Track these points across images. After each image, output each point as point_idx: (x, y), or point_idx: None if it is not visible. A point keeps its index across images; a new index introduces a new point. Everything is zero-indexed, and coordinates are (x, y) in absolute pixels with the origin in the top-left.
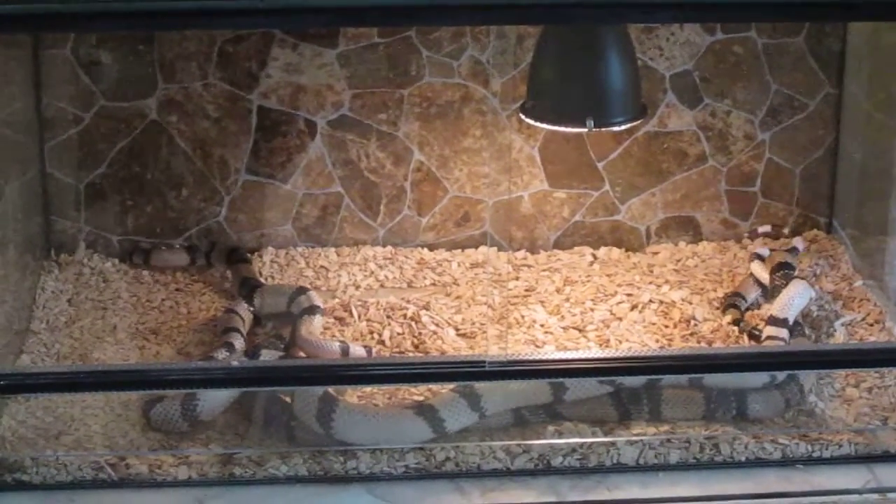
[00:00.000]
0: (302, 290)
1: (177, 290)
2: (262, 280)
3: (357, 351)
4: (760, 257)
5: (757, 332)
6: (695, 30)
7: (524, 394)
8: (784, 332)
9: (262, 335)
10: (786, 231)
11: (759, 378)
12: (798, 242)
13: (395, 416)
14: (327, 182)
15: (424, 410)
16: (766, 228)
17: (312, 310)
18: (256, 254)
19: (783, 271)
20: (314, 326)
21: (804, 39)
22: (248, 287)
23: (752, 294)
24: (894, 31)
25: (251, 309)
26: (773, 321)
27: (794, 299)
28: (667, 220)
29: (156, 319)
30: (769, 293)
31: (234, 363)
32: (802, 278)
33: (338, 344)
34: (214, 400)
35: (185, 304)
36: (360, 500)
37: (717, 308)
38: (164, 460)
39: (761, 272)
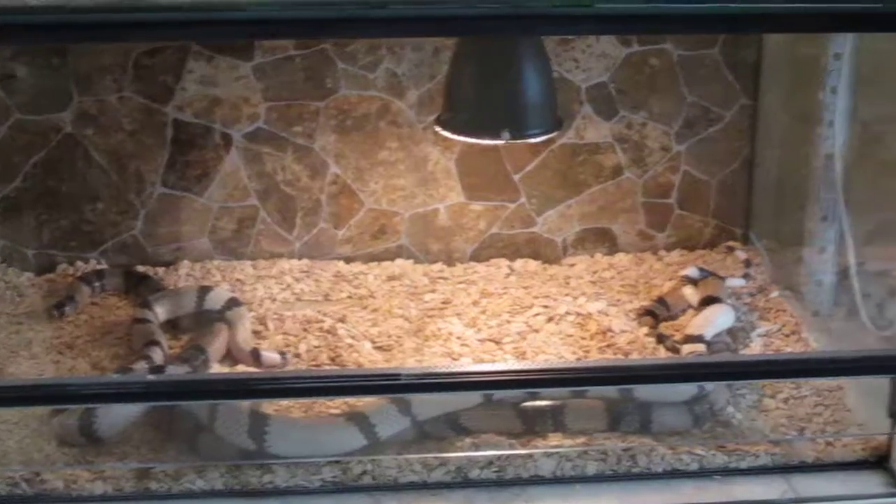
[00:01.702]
0: (208, 288)
1: (92, 303)
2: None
3: (271, 357)
4: (692, 281)
5: (677, 345)
6: (611, 42)
7: (455, 399)
8: (701, 347)
9: (178, 347)
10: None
11: (686, 391)
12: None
13: (327, 427)
14: (243, 195)
15: (356, 418)
16: (744, 255)
17: (235, 302)
18: (172, 267)
19: (712, 305)
20: (248, 333)
21: (719, 51)
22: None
23: (679, 308)
24: (809, 43)
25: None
26: (690, 339)
27: (714, 319)
28: (583, 232)
29: (70, 334)
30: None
31: (149, 377)
32: (729, 305)
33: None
34: (115, 416)
35: (99, 317)
36: None
37: (634, 319)
38: (80, 475)
39: (692, 297)
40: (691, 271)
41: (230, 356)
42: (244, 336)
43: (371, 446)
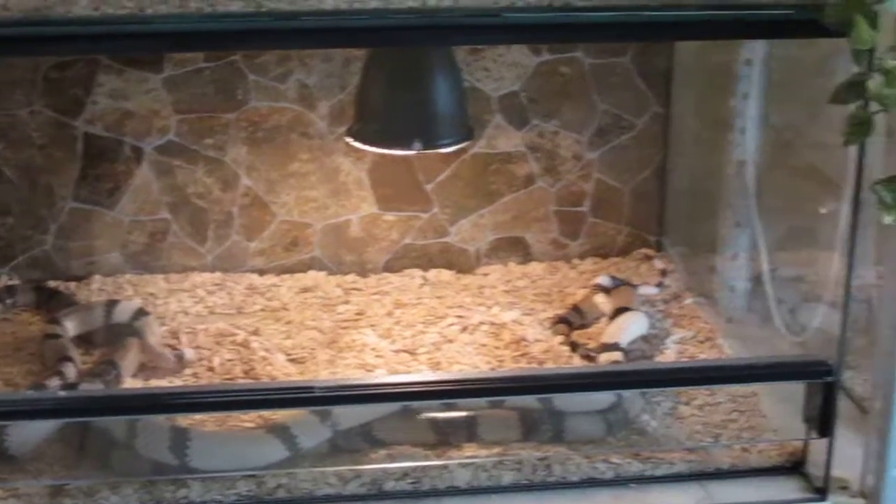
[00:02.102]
0: (115, 302)
1: (3, 319)
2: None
3: (190, 353)
4: (605, 290)
5: (591, 353)
6: (522, 51)
7: (375, 407)
8: (618, 355)
9: (90, 362)
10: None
11: (602, 399)
12: (664, 278)
13: (249, 439)
14: (155, 208)
15: (277, 430)
16: (661, 265)
17: (143, 312)
18: (84, 282)
19: (625, 313)
20: (159, 333)
21: (631, 59)
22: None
23: (593, 316)
24: (720, 50)
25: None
26: (606, 347)
27: (628, 326)
28: (497, 242)
29: None
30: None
31: (61, 393)
32: (642, 312)
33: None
34: (27, 433)
35: (11, 333)
36: None
37: (548, 328)
38: None
39: (605, 305)
40: (603, 280)
41: (146, 367)
42: (159, 341)
43: (293, 457)
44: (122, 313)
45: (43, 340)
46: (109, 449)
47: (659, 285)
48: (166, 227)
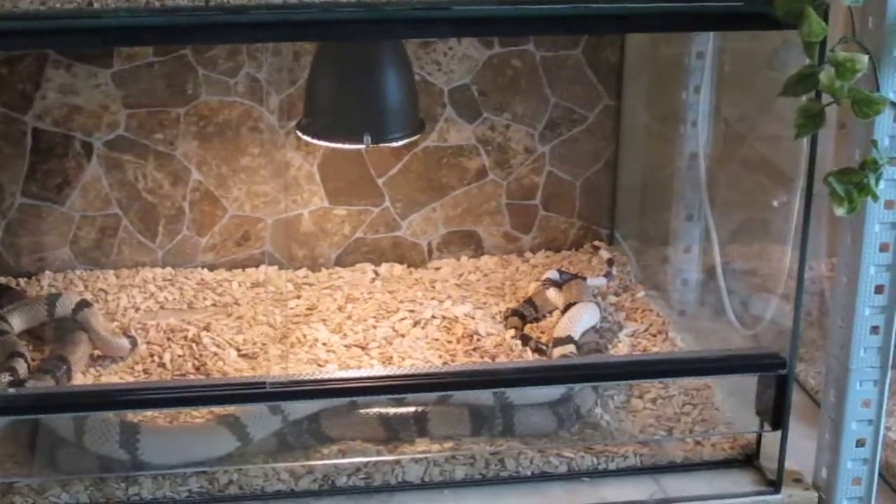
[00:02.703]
0: (56, 296)
1: None
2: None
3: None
4: (556, 284)
5: (542, 346)
6: (472, 44)
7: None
8: (571, 347)
9: (38, 358)
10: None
11: (553, 393)
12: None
13: (198, 431)
14: (104, 203)
15: (227, 420)
16: (607, 255)
17: (85, 303)
18: (35, 278)
19: (576, 305)
20: (104, 323)
21: (582, 52)
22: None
23: (546, 309)
24: (670, 43)
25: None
26: (559, 341)
27: (580, 318)
28: (448, 235)
29: None
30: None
31: (10, 390)
32: (593, 302)
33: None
34: None
35: None
36: None
37: (501, 322)
38: None
39: (557, 300)
40: (552, 274)
41: (98, 358)
42: (107, 328)
43: (244, 447)
44: (65, 306)
45: None
46: (58, 446)
47: (607, 275)
48: (116, 222)
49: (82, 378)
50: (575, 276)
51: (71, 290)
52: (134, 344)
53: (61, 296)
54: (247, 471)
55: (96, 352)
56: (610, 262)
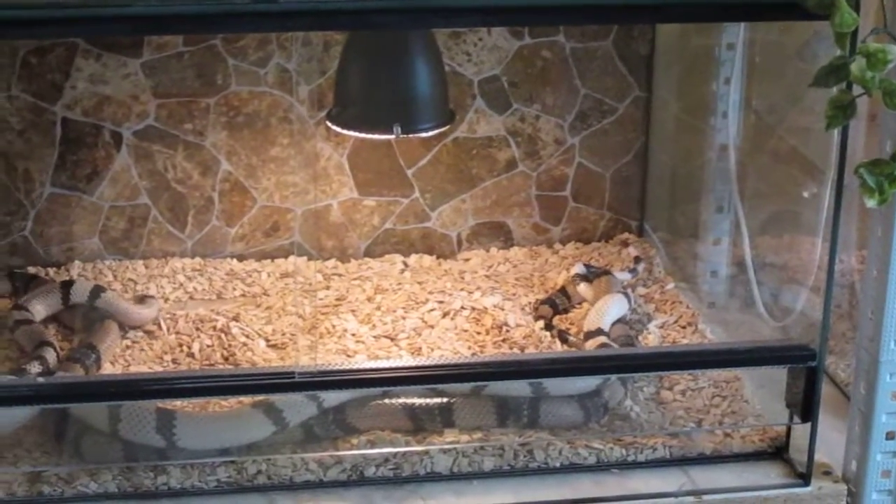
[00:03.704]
0: (69, 283)
1: None
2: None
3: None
4: (586, 279)
5: (569, 337)
6: (503, 34)
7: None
8: (603, 339)
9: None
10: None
11: (583, 385)
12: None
13: (235, 416)
14: (134, 194)
15: (263, 405)
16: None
17: (101, 289)
18: (64, 268)
19: (603, 297)
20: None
21: (612, 43)
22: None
23: (578, 300)
24: (701, 34)
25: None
26: (589, 335)
27: (608, 309)
28: (478, 227)
29: None
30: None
31: (39, 380)
32: (621, 293)
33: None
34: (4, 420)
35: None
36: None
37: (530, 314)
38: None
39: (587, 294)
40: (579, 269)
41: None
42: (129, 306)
43: (280, 433)
44: (80, 293)
45: (15, 327)
46: (88, 435)
47: (632, 271)
48: (146, 212)
49: (111, 367)
50: (602, 270)
51: (101, 280)
52: (154, 303)
53: (75, 283)
54: (275, 460)
55: (127, 338)
56: (637, 260)
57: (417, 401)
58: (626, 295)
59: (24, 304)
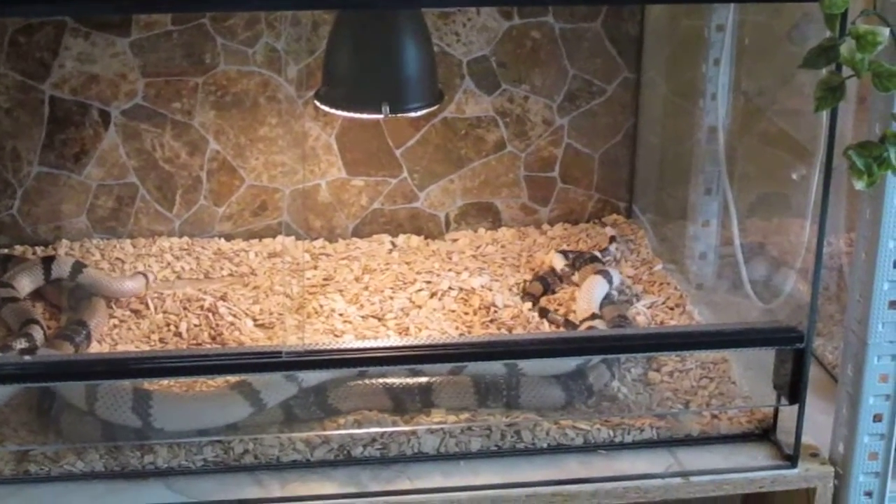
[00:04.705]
0: (51, 258)
1: None
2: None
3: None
4: (570, 265)
5: (555, 317)
6: (492, 15)
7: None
8: (597, 322)
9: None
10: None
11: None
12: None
13: (211, 398)
14: (122, 173)
15: (240, 386)
16: (611, 231)
17: (82, 265)
18: (51, 247)
19: (584, 282)
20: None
21: (601, 24)
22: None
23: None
24: (690, 16)
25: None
26: (584, 321)
27: (591, 293)
28: (466, 207)
29: None
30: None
31: (26, 358)
32: (598, 273)
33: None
34: None
35: None
36: (158, 495)
37: (518, 294)
38: None
39: (576, 278)
40: (557, 260)
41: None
42: (112, 280)
43: (257, 414)
44: (61, 269)
45: (1, 304)
46: (69, 413)
47: (603, 251)
48: (133, 191)
49: (97, 346)
50: (589, 255)
51: (87, 258)
52: (147, 279)
53: (56, 258)
54: (262, 440)
55: (114, 317)
56: (612, 240)
57: (397, 381)
58: (606, 273)
59: (7, 280)
